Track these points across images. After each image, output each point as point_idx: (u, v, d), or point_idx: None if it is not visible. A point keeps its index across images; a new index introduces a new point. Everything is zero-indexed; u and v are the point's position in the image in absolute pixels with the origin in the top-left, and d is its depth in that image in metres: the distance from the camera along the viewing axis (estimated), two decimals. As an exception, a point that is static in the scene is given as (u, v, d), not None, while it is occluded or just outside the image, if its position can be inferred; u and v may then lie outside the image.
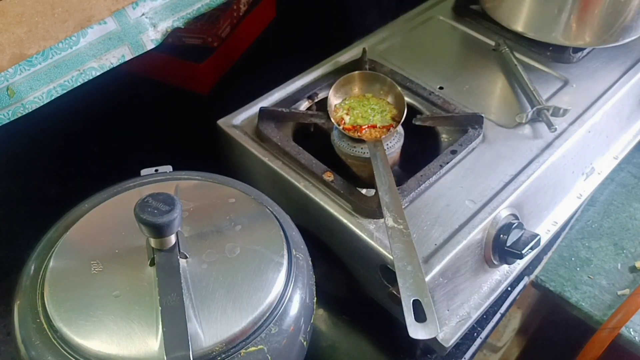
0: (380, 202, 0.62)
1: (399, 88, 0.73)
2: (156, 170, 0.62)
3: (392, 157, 0.71)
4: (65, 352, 0.46)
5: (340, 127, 0.70)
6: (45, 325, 0.47)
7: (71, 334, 0.46)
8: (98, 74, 0.60)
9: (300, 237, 0.58)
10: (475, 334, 0.70)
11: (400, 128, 0.72)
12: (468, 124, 0.74)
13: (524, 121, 0.76)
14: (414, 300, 0.51)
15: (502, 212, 0.66)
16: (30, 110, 0.57)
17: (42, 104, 0.58)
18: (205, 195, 0.59)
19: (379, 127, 0.71)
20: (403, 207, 0.65)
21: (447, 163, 0.69)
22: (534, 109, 0.76)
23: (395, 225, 0.57)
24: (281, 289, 0.51)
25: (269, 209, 0.58)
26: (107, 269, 0.50)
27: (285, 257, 0.53)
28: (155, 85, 1.00)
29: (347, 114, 0.73)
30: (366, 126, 0.71)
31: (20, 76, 0.55)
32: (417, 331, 0.50)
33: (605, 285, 0.80)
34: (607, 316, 0.77)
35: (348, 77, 0.75)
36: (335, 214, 0.65)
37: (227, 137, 0.74)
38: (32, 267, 0.52)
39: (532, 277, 0.80)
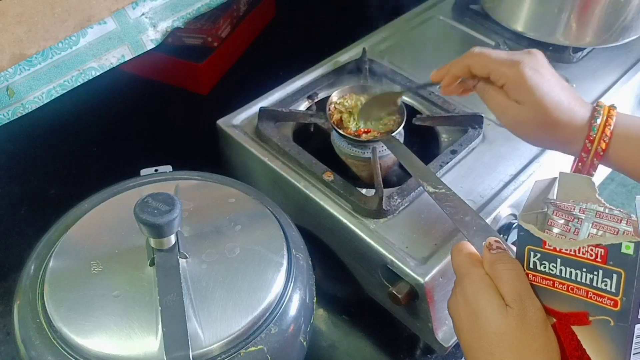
0: (382, 202, 0.63)
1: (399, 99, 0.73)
2: (156, 170, 0.62)
3: (392, 157, 0.71)
4: (65, 352, 0.46)
5: (341, 130, 0.70)
6: (45, 325, 0.47)
7: (71, 334, 0.46)
8: (98, 74, 0.60)
9: (300, 237, 0.58)
10: (475, 334, 0.70)
11: (400, 128, 0.72)
12: (468, 123, 0.74)
13: (524, 121, 0.76)
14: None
15: (502, 212, 0.66)
16: (30, 110, 0.57)
17: (42, 104, 0.58)
18: (205, 195, 0.59)
19: (378, 132, 0.71)
20: (403, 207, 0.65)
21: (447, 163, 0.69)
22: (534, 108, 0.76)
23: (437, 190, 0.59)
24: (281, 289, 0.51)
25: (269, 209, 0.58)
26: (107, 269, 0.50)
27: (285, 257, 0.53)
28: (155, 85, 1.00)
29: (341, 118, 0.73)
30: (363, 130, 0.71)
31: (20, 76, 0.55)
32: None
33: (605, 285, 0.80)
34: (607, 316, 0.77)
35: (348, 88, 0.75)
36: (335, 214, 0.65)
37: (227, 137, 0.74)
38: (32, 267, 0.52)
39: (532, 277, 0.80)
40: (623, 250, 0.33)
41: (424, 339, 0.66)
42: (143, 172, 0.62)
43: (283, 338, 0.49)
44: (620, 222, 0.36)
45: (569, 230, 0.38)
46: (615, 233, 0.35)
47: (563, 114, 0.55)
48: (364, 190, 0.66)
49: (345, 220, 0.64)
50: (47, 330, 0.47)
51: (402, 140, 0.72)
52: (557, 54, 0.86)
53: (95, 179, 0.62)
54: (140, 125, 0.92)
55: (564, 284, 0.37)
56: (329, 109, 0.73)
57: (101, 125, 0.92)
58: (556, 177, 0.41)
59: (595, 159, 0.55)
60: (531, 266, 0.38)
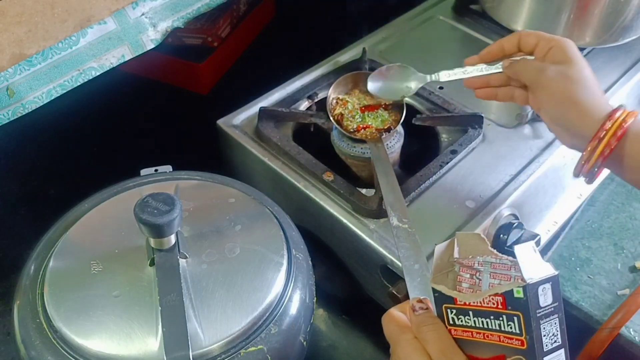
0: (382, 202, 0.63)
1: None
2: (156, 170, 0.62)
3: (392, 157, 0.71)
4: (65, 352, 0.46)
5: (338, 126, 0.70)
6: (45, 325, 0.47)
7: (71, 334, 0.46)
8: (98, 74, 0.60)
9: (300, 237, 0.58)
10: (475, 334, 0.70)
11: (400, 128, 0.72)
12: (468, 124, 0.74)
13: (523, 121, 0.76)
14: None
15: (502, 212, 0.66)
16: (30, 110, 0.57)
17: (42, 104, 0.58)
18: (205, 195, 0.59)
19: (375, 128, 0.71)
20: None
21: (447, 163, 0.69)
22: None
23: (400, 225, 0.58)
24: (281, 289, 0.51)
25: (269, 209, 0.58)
26: (107, 269, 0.50)
27: (285, 257, 0.53)
28: (155, 85, 1.00)
29: (342, 113, 0.72)
30: (362, 126, 0.71)
31: (20, 76, 0.55)
32: None
33: (605, 285, 0.80)
34: (607, 316, 0.77)
35: (347, 77, 0.75)
36: (335, 214, 0.65)
37: (227, 137, 0.74)
38: (32, 267, 0.52)
39: (532, 277, 0.80)
40: (515, 295, 0.37)
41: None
42: (143, 172, 0.62)
43: (283, 338, 0.49)
44: (510, 269, 0.40)
45: (475, 283, 0.42)
46: (508, 279, 0.39)
47: (592, 92, 0.58)
48: (364, 190, 0.66)
49: (345, 220, 0.64)
50: (47, 330, 0.47)
51: (402, 140, 0.72)
52: (557, 54, 0.86)
53: (95, 179, 0.62)
54: (140, 125, 0.92)
55: (480, 333, 0.40)
56: (331, 104, 0.73)
57: (101, 125, 0.91)
58: (453, 239, 0.45)
59: (612, 140, 0.56)
60: (451, 322, 0.42)
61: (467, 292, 0.42)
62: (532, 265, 0.39)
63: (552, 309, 0.38)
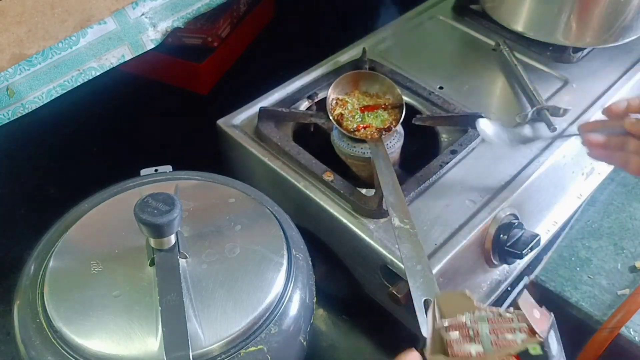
0: (382, 202, 0.63)
1: (398, 89, 0.73)
2: (156, 170, 0.62)
3: (392, 157, 0.71)
4: (65, 352, 0.46)
5: (338, 126, 0.70)
6: (45, 325, 0.47)
7: (71, 334, 0.46)
8: (98, 73, 0.61)
9: (300, 237, 0.58)
10: (475, 334, 0.70)
11: (400, 128, 0.72)
12: (468, 123, 0.74)
13: (524, 121, 0.76)
14: (425, 300, 0.51)
15: (502, 212, 0.66)
16: (30, 110, 0.57)
17: (42, 104, 0.58)
18: (205, 195, 0.59)
19: (375, 128, 0.71)
20: (403, 207, 0.65)
21: (447, 163, 0.69)
22: (534, 108, 0.76)
23: (402, 225, 0.57)
24: (281, 289, 0.51)
25: (269, 209, 0.58)
26: (107, 269, 0.50)
27: (285, 257, 0.53)
28: (155, 85, 1.00)
29: (342, 113, 0.72)
30: (362, 126, 0.71)
31: (20, 76, 0.55)
32: None
33: (605, 285, 0.80)
34: (607, 316, 0.77)
35: (347, 76, 0.75)
36: (335, 214, 0.65)
37: (227, 137, 0.74)
38: (32, 267, 0.52)
39: (532, 277, 0.80)
40: (532, 352, 0.37)
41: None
42: (143, 172, 0.62)
43: (283, 338, 0.49)
44: (513, 322, 0.39)
45: (468, 342, 0.40)
46: (512, 331, 0.38)
47: None
48: (364, 190, 0.66)
49: (345, 220, 0.64)
50: (47, 330, 0.47)
51: (402, 140, 0.72)
52: (557, 54, 0.86)
53: (95, 179, 0.62)
54: (140, 125, 0.92)
55: None
56: (331, 104, 0.73)
57: (101, 125, 0.91)
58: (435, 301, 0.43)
59: None
60: None
61: (460, 354, 0.40)
62: (534, 315, 0.39)
63: (560, 354, 0.38)
